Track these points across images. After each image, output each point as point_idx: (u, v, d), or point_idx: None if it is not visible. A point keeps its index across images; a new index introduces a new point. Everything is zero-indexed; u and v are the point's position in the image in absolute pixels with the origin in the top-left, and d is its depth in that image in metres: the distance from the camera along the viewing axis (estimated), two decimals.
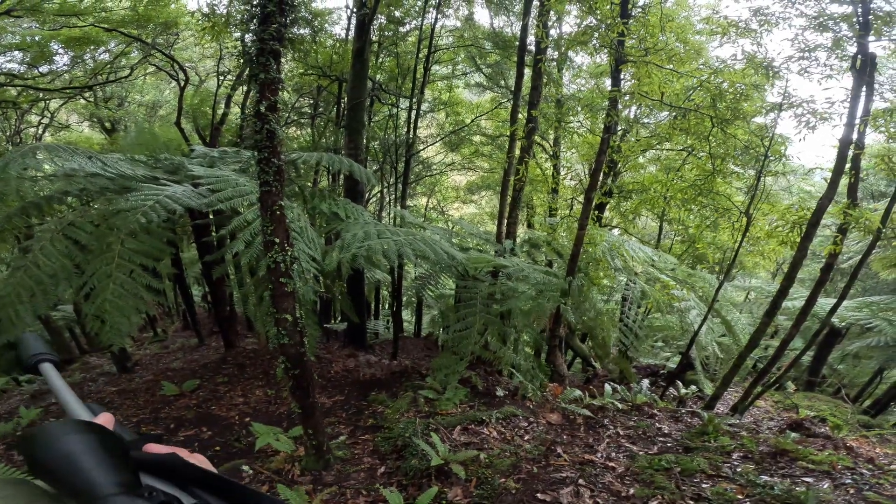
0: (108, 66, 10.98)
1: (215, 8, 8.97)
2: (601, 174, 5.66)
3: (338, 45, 10.30)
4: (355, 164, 6.06)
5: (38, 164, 4.76)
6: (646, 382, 6.38)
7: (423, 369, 6.57)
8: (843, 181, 4.56)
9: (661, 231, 10.18)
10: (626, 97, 6.76)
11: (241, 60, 10.50)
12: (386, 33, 10.17)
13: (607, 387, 5.45)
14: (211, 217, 5.83)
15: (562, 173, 11.45)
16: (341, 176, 8.50)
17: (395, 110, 11.06)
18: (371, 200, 12.36)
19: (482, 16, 33.24)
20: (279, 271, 3.07)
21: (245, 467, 3.68)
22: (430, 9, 9.48)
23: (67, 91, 10.80)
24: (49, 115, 12.82)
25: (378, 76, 10.59)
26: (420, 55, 9.40)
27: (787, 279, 4.82)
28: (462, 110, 12.62)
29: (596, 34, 5.98)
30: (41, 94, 10.39)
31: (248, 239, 4.26)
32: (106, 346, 4.99)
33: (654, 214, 9.41)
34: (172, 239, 5.19)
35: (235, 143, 10.20)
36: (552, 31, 8.84)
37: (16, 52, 9.86)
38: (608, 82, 9.13)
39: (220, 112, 11.22)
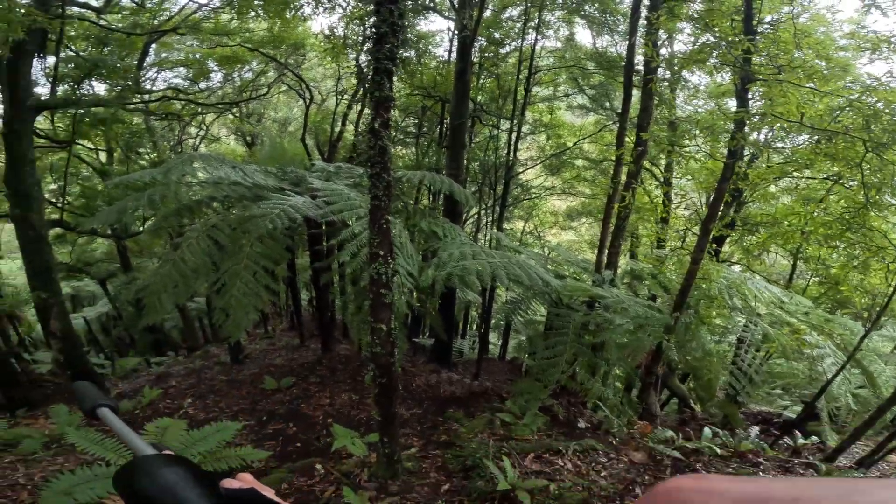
0: (251, 83, 12.76)
1: (334, 30, 10.06)
2: (722, 204, 5.12)
3: (441, 66, 10.77)
4: (455, 185, 6.20)
5: (193, 171, 5.58)
6: (755, 429, 5.65)
7: (503, 392, 6.42)
8: None
9: (793, 270, 8.86)
10: (756, 118, 6.10)
11: (357, 80, 11.52)
12: (486, 55, 10.41)
13: (706, 430, 4.87)
14: (323, 227, 6.35)
15: (674, 202, 10.58)
16: (441, 195, 8.77)
17: (495, 131, 11.19)
18: (468, 221, 12.54)
19: (584, 36, 32.38)
20: (380, 282, 3.22)
21: (318, 466, 3.84)
22: (530, 30, 9.52)
23: (220, 106, 12.69)
24: (205, 127, 15.06)
25: (479, 97, 10.83)
26: (520, 76, 9.42)
27: None
28: (564, 133, 12.35)
29: (715, 52, 5.54)
30: (199, 109, 12.29)
31: (353, 250, 4.53)
32: (225, 337, 5.63)
33: (787, 251, 8.22)
34: (291, 245, 5.75)
35: (349, 159, 11.07)
36: (663, 50, 8.32)
37: (180, 69, 11.84)
38: (731, 103, 8.31)
39: (337, 129, 12.34)
